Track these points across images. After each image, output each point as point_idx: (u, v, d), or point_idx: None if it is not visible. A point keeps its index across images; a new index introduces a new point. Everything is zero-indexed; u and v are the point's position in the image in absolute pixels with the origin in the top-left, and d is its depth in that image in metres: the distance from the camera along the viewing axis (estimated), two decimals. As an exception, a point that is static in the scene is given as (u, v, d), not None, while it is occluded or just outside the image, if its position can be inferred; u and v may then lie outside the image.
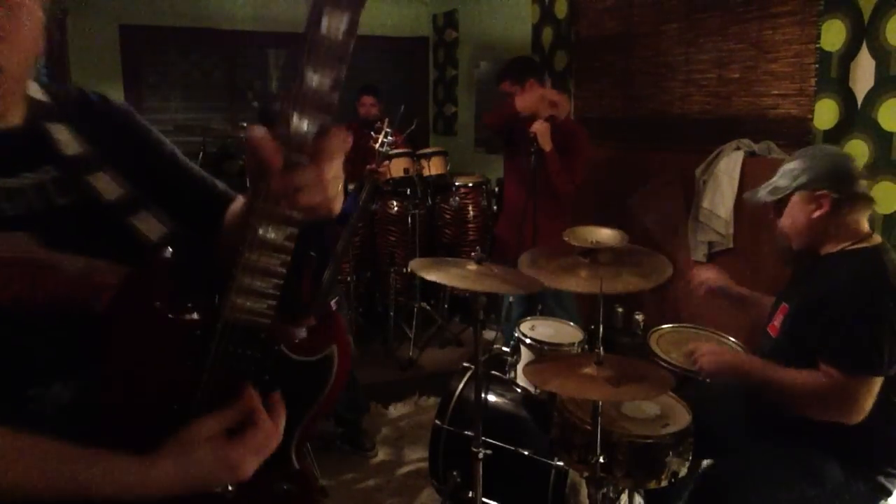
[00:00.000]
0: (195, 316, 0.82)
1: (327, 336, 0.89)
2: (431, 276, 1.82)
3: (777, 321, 1.92)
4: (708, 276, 2.27)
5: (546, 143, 3.06)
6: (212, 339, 0.79)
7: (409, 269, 4.13)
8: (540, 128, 3.03)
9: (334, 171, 0.72)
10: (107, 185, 0.86)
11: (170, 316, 0.80)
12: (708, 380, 1.94)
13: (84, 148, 0.86)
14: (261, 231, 0.74)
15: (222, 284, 0.78)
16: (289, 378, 0.85)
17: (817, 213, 1.79)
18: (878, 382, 1.66)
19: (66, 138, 0.85)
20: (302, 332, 0.87)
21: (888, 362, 1.66)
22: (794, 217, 1.84)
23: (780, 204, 1.86)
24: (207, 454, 0.75)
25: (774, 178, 1.88)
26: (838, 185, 1.76)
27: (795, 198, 1.82)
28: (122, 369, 0.80)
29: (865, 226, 1.81)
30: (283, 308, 0.82)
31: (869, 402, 1.66)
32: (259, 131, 0.69)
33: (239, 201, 0.97)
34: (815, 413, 1.72)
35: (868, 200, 1.81)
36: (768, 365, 1.83)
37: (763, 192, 1.90)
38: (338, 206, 0.75)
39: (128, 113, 0.96)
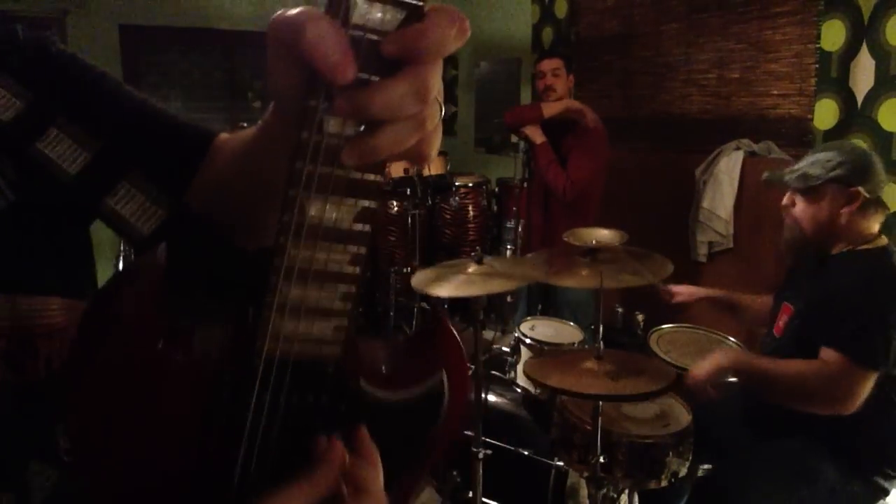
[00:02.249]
0: (216, 351, 0.49)
1: (431, 354, 0.57)
2: (437, 292, 1.80)
3: (781, 321, 1.91)
4: (679, 289, 2.25)
5: (536, 137, 3.05)
6: (249, 384, 0.48)
7: (408, 269, 4.16)
8: (530, 126, 3.05)
9: (437, 87, 0.43)
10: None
11: (176, 357, 0.48)
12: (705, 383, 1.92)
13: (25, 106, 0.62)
14: (313, 209, 0.43)
15: (250, 288, 0.47)
16: (377, 425, 0.53)
17: (846, 209, 1.75)
18: (873, 377, 1.66)
19: None
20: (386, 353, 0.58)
21: (889, 361, 1.66)
22: (819, 208, 1.79)
23: (808, 192, 1.81)
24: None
25: (802, 165, 1.82)
26: (871, 186, 1.75)
27: (828, 189, 1.77)
28: (109, 448, 0.48)
29: (876, 228, 1.80)
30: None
31: (862, 395, 1.66)
32: (315, 14, 0.38)
33: (240, 133, 0.62)
34: (808, 402, 1.71)
35: (885, 207, 1.80)
36: (765, 358, 1.83)
37: (791, 177, 1.83)
38: (435, 152, 0.46)
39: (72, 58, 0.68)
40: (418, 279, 1.90)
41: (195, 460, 0.49)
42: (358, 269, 0.46)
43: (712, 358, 1.86)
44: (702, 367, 1.84)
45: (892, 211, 2.56)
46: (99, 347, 0.48)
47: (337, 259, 0.45)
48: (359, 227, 0.45)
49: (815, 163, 1.80)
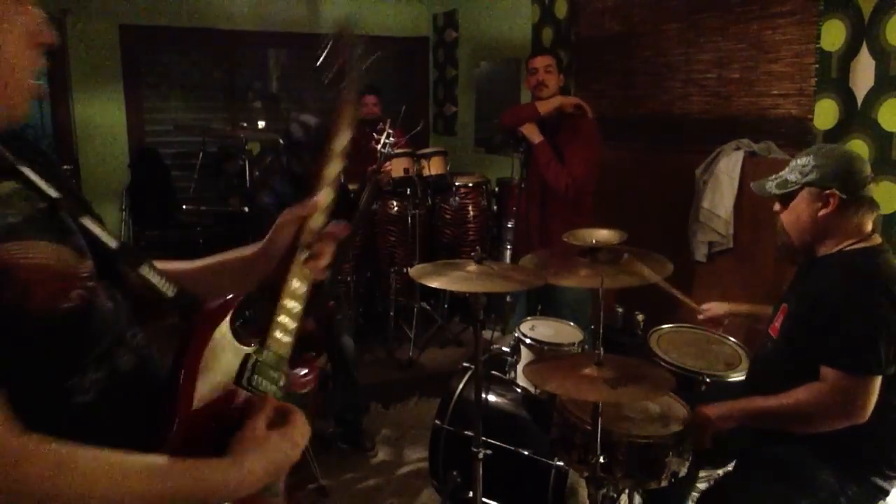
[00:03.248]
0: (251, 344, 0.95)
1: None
2: (433, 283, 1.82)
3: (778, 322, 1.91)
4: (714, 311, 2.27)
5: (534, 136, 3.06)
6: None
7: (408, 271, 4.16)
8: (527, 125, 3.06)
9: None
10: None
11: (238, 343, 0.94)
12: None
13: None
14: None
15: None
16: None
17: (823, 212, 1.77)
18: (878, 381, 1.66)
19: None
20: None
21: (886, 361, 1.66)
22: (798, 213, 1.82)
23: (787, 198, 1.85)
24: (277, 439, 0.87)
25: (784, 171, 1.86)
26: (847, 186, 1.75)
27: (803, 193, 1.80)
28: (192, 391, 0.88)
29: (868, 227, 1.80)
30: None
31: (872, 401, 1.66)
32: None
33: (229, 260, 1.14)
34: (823, 424, 1.70)
35: (873, 205, 1.80)
36: (761, 398, 1.81)
37: (771, 184, 1.88)
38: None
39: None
40: (417, 270, 1.91)
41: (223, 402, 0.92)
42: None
43: (725, 407, 1.83)
44: (712, 418, 1.81)
45: (892, 210, 2.57)
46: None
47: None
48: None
49: (793, 168, 1.84)
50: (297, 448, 0.89)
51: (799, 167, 1.82)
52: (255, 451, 0.85)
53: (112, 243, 0.90)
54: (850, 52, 2.69)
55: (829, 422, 1.70)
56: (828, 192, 1.76)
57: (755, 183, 1.96)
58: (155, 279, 0.92)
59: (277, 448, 0.87)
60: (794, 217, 1.84)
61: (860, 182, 1.76)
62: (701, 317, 2.29)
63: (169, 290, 0.93)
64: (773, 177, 1.89)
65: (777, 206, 1.89)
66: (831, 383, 1.68)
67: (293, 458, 0.89)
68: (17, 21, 0.80)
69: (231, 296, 0.95)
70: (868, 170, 1.79)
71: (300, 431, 0.90)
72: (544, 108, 3.10)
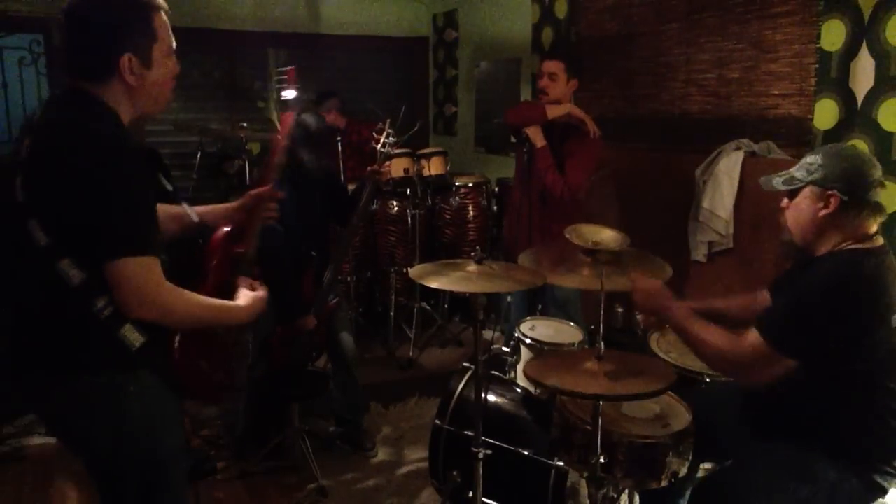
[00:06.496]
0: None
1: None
2: (432, 283, 1.82)
3: None
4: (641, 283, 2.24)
5: (538, 140, 3.04)
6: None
7: (408, 271, 4.16)
8: (532, 127, 3.03)
9: None
10: None
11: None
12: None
13: None
14: None
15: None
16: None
17: (823, 212, 1.77)
18: (783, 363, 1.70)
19: None
20: None
21: (812, 351, 1.69)
22: (800, 210, 1.83)
23: (793, 195, 1.85)
24: (253, 296, 1.74)
25: (793, 168, 1.87)
26: (850, 189, 1.75)
27: (806, 191, 1.81)
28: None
29: (871, 230, 1.79)
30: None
31: (771, 374, 1.72)
32: None
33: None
34: (722, 370, 1.89)
35: (878, 209, 1.79)
36: (695, 320, 1.87)
37: (778, 180, 1.88)
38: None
39: None
40: (417, 271, 1.91)
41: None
42: None
43: (659, 298, 1.94)
44: (648, 295, 1.94)
45: (893, 211, 2.56)
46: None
47: None
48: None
49: (801, 166, 1.85)
50: (262, 301, 1.74)
51: (807, 165, 1.82)
52: (245, 300, 1.71)
53: (169, 187, 2.01)
54: (850, 52, 2.69)
55: (727, 371, 1.88)
56: (829, 192, 1.76)
57: (764, 178, 1.96)
58: (190, 210, 1.89)
59: (253, 300, 1.72)
60: (796, 214, 1.85)
61: (864, 186, 1.76)
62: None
63: (195, 216, 1.89)
64: (783, 172, 1.89)
65: (784, 201, 1.89)
66: (750, 341, 1.74)
67: (259, 307, 1.72)
68: (168, 64, 1.54)
69: (228, 227, 2.04)
70: (877, 174, 1.78)
71: (261, 296, 1.75)
72: (553, 112, 3.03)
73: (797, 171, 1.84)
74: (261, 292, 1.74)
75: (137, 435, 1.53)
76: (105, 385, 1.49)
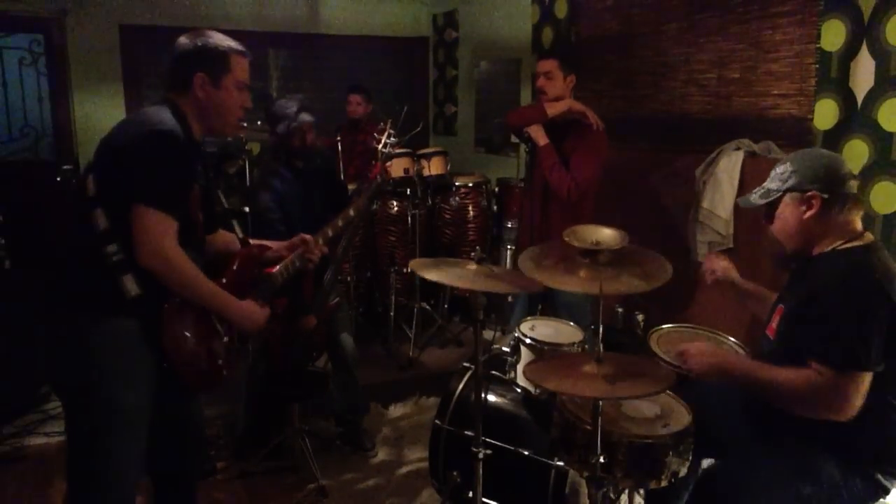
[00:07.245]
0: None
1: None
2: (431, 276, 1.82)
3: (774, 323, 1.92)
4: (720, 265, 2.26)
5: (540, 138, 3.03)
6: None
7: (408, 269, 4.16)
8: (533, 126, 3.03)
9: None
10: None
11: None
12: (698, 378, 1.94)
13: None
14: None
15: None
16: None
17: (808, 214, 1.79)
18: (867, 378, 1.67)
19: None
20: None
21: (875, 357, 1.66)
22: (785, 219, 1.85)
23: (771, 208, 1.87)
24: (259, 310, 1.96)
25: (766, 182, 1.89)
26: (828, 186, 1.77)
27: (786, 199, 1.83)
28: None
29: (858, 225, 1.82)
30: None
31: (860, 398, 1.66)
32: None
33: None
34: (807, 411, 1.73)
35: (858, 201, 1.81)
36: (757, 365, 1.84)
37: (755, 196, 1.91)
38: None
39: None
40: (416, 263, 1.91)
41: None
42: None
43: (719, 356, 1.89)
44: (705, 356, 1.89)
45: (893, 211, 2.57)
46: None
47: None
48: None
49: (773, 178, 1.87)
50: (262, 316, 1.97)
51: (778, 175, 1.85)
52: (247, 304, 1.93)
53: (225, 204, 2.42)
54: (850, 52, 2.69)
55: (813, 411, 1.72)
56: (809, 193, 1.78)
57: (741, 198, 2.00)
58: (238, 228, 2.26)
59: (253, 310, 1.94)
60: (781, 224, 1.86)
61: (839, 180, 1.78)
62: (709, 279, 2.28)
63: (241, 233, 2.18)
64: (757, 189, 1.91)
65: (764, 220, 1.91)
66: (820, 378, 1.69)
67: (256, 320, 1.94)
68: (234, 93, 1.91)
69: (257, 244, 2.21)
70: (847, 168, 1.81)
71: (265, 312, 1.98)
72: (553, 110, 3.04)
73: (771, 184, 1.86)
74: (266, 310, 1.98)
75: (100, 380, 1.71)
76: (87, 325, 1.70)
